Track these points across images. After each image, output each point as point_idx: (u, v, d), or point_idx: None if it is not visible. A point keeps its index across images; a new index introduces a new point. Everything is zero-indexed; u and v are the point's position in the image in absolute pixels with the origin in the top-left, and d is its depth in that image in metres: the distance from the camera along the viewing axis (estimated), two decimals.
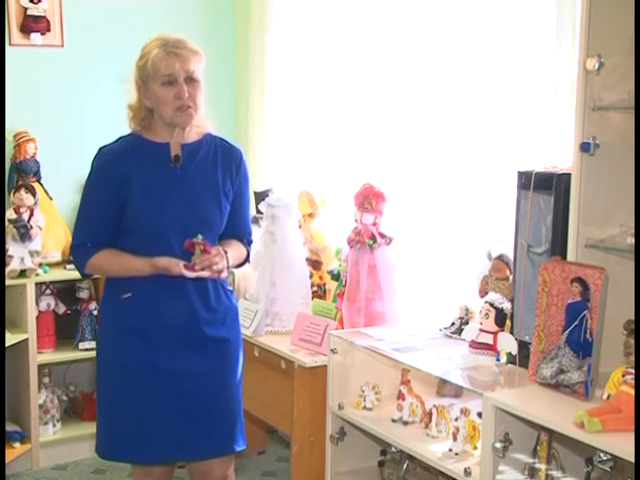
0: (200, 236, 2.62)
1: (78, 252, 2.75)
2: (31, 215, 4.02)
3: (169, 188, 2.67)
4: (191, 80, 2.63)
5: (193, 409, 2.71)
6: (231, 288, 2.88)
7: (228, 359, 2.80)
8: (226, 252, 2.70)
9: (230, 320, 2.81)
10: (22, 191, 4.03)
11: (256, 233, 3.00)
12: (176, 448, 2.72)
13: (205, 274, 2.62)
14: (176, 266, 2.61)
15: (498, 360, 2.86)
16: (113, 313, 2.75)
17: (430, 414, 3.00)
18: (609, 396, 2.33)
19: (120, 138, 2.75)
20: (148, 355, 2.68)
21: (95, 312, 4.24)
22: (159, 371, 2.68)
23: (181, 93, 2.60)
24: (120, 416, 2.72)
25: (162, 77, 2.61)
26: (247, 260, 2.94)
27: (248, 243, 2.92)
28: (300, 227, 3.92)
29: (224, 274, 2.70)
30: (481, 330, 2.93)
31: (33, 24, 4.19)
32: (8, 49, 4.12)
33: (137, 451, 2.73)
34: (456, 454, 2.78)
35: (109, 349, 2.76)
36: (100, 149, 2.73)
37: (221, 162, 2.75)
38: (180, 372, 2.69)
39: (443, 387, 3.23)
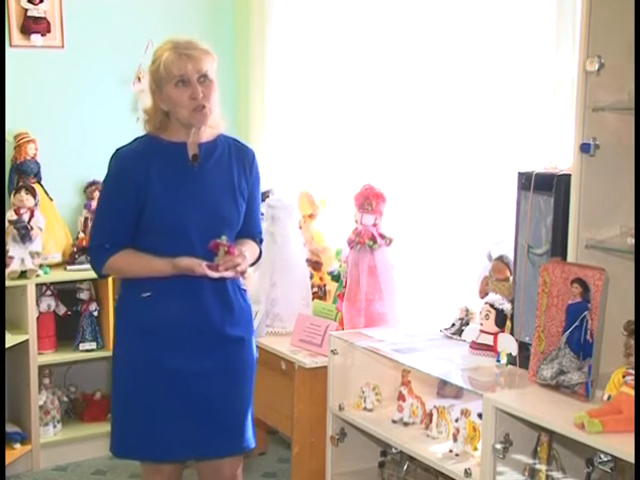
0: (224, 237, 2.63)
1: (96, 253, 2.74)
2: (31, 216, 4.02)
3: (188, 187, 2.68)
4: (204, 80, 2.63)
5: (207, 407, 2.72)
6: (245, 288, 2.89)
7: (243, 358, 2.80)
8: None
9: (245, 319, 2.83)
10: (22, 192, 4.03)
11: None
12: (188, 446, 2.73)
13: (229, 274, 2.64)
14: (199, 266, 2.62)
15: (498, 361, 2.86)
16: (132, 312, 2.74)
17: (430, 415, 3.00)
18: (609, 397, 2.33)
19: (136, 139, 2.75)
20: (164, 354, 2.68)
21: (95, 313, 4.23)
22: (173, 370, 2.69)
23: (195, 93, 2.61)
24: (134, 414, 2.73)
25: (175, 78, 2.61)
26: (259, 258, 2.95)
27: (260, 242, 2.93)
28: (300, 228, 3.92)
29: (246, 274, 2.74)
30: (481, 331, 2.94)
31: (33, 25, 4.19)
32: (8, 50, 4.12)
33: (149, 448, 2.73)
34: (456, 455, 2.78)
35: (126, 347, 2.76)
36: (117, 150, 2.72)
37: (235, 162, 2.77)
38: (194, 371, 2.70)
39: (443, 388, 3.23)
